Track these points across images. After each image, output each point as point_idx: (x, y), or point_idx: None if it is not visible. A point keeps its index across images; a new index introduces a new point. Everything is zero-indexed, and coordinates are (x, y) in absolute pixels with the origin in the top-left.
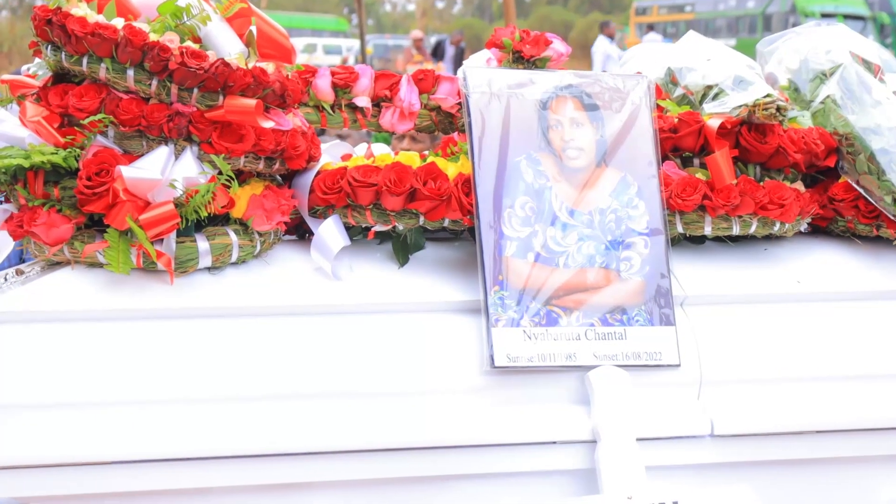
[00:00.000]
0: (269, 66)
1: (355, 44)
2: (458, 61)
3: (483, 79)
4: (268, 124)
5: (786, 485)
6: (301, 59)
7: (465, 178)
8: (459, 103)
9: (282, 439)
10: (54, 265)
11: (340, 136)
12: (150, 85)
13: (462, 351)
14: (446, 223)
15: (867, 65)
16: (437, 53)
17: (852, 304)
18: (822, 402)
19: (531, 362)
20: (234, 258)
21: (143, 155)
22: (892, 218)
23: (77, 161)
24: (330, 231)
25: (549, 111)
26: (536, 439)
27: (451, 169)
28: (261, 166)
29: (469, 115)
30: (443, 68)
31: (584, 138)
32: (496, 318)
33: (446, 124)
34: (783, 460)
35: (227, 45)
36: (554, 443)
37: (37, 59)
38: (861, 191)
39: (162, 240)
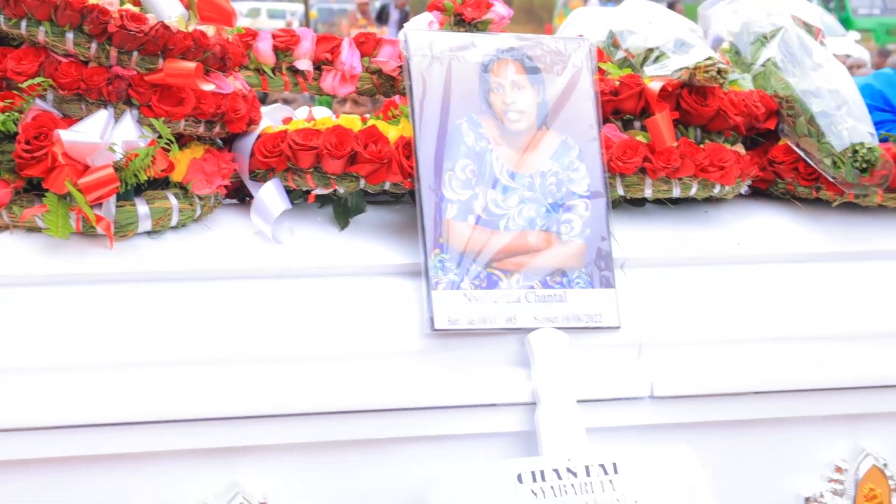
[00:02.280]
0: (210, 29)
1: (300, 8)
2: (402, 25)
3: (424, 42)
4: (208, 87)
5: (725, 446)
6: (245, 22)
7: (405, 141)
8: (401, 66)
9: (222, 403)
10: None
11: (285, 101)
12: (89, 48)
13: (403, 314)
14: (387, 186)
15: (808, 28)
16: (382, 17)
17: (792, 266)
18: (760, 364)
19: (471, 325)
20: (174, 222)
21: (82, 119)
22: (832, 180)
23: (16, 125)
24: (270, 194)
25: (490, 74)
26: (477, 402)
27: (392, 132)
28: (201, 130)
29: (410, 78)
30: (387, 32)
31: (525, 101)
32: (436, 281)
33: (388, 87)
34: (722, 421)
35: (167, 8)
36: (494, 405)
37: None
38: (801, 153)
39: (101, 204)
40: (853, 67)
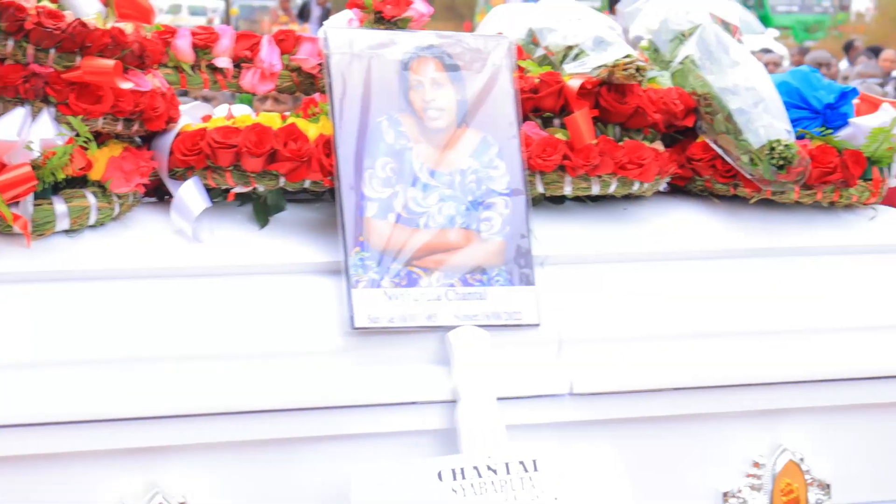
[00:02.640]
0: (128, 27)
1: (221, 5)
2: (324, 22)
3: (344, 39)
4: (126, 85)
5: (644, 442)
6: (165, 19)
7: (325, 139)
8: (321, 64)
9: (140, 403)
10: None
11: (205, 98)
12: (5, 45)
13: (323, 312)
14: (307, 184)
15: (725, 25)
16: (304, 14)
17: (710, 263)
18: (679, 360)
19: (392, 323)
20: (92, 221)
21: None
22: (749, 177)
23: None
24: (190, 193)
25: (410, 72)
26: (397, 400)
27: (311, 130)
28: (119, 128)
29: (330, 75)
30: (309, 29)
31: (444, 99)
32: (357, 280)
33: (307, 85)
34: (641, 418)
35: (84, 5)
36: (414, 403)
37: None
38: (719, 150)
39: (18, 202)
40: (770, 64)
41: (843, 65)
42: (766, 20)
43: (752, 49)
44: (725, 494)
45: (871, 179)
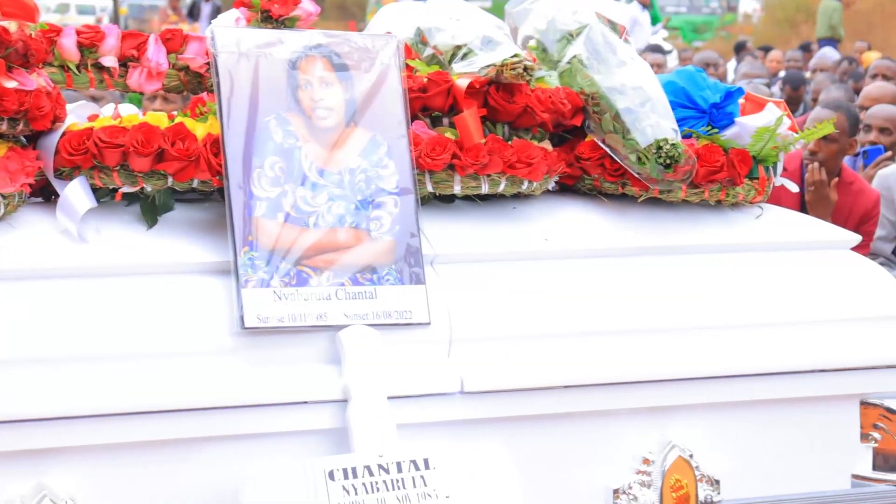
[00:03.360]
0: (12, 25)
1: (109, 4)
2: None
3: (231, 38)
4: (10, 84)
5: (534, 439)
6: (53, 18)
7: (213, 139)
8: (208, 63)
9: (26, 404)
10: None
11: (93, 98)
12: None
13: (212, 312)
14: (195, 184)
15: (613, 25)
16: (193, 13)
17: (599, 261)
18: (568, 358)
19: (282, 322)
20: None
21: None
22: (637, 176)
23: None
24: (76, 193)
25: (298, 71)
26: (288, 399)
27: (199, 129)
28: (3, 127)
29: (217, 74)
30: (199, 28)
31: (333, 98)
32: (246, 279)
33: (195, 84)
34: (532, 415)
35: None
36: (305, 402)
37: None
38: (607, 149)
39: None
40: (654, 66)
41: (733, 65)
42: (655, 20)
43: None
44: (616, 491)
45: (756, 178)
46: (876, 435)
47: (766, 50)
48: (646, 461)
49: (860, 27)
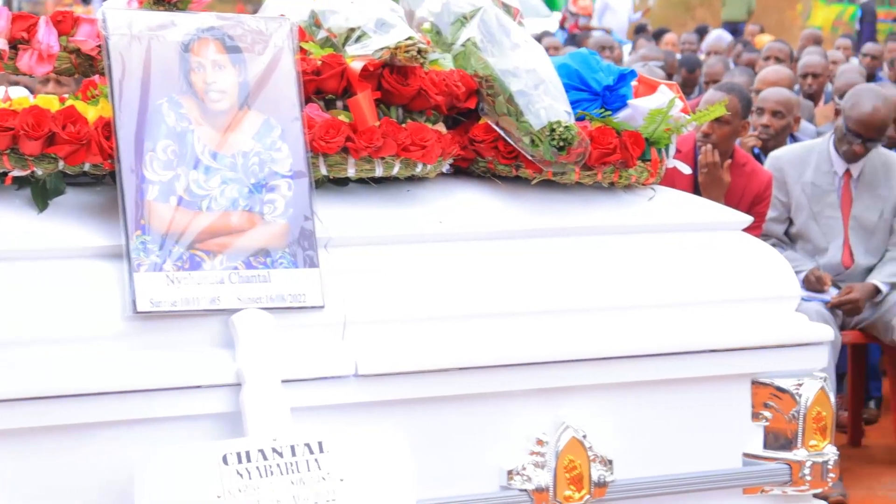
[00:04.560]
0: None
1: None
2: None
3: (123, 20)
4: None
5: (429, 422)
6: None
7: (105, 122)
8: (100, 46)
9: None
10: None
11: None
12: None
13: (104, 297)
14: (87, 167)
15: (506, 8)
16: None
17: (493, 243)
18: (462, 340)
19: (175, 307)
20: None
21: None
22: (531, 158)
23: None
24: None
25: (190, 53)
26: (181, 384)
27: (91, 112)
28: None
29: (109, 57)
30: (92, 11)
31: (226, 81)
32: (138, 263)
33: (87, 67)
34: (426, 398)
35: None
36: (199, 387)
37: None
38: (501, 132)
39: None
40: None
41: (628, 48)
42: (552, 4)
43: (536, 32)
44: (510, 472)
45: (649, 160)
46: (766, 414)
47: (662, 33)
48: (539, 442)
49: (763, 12)
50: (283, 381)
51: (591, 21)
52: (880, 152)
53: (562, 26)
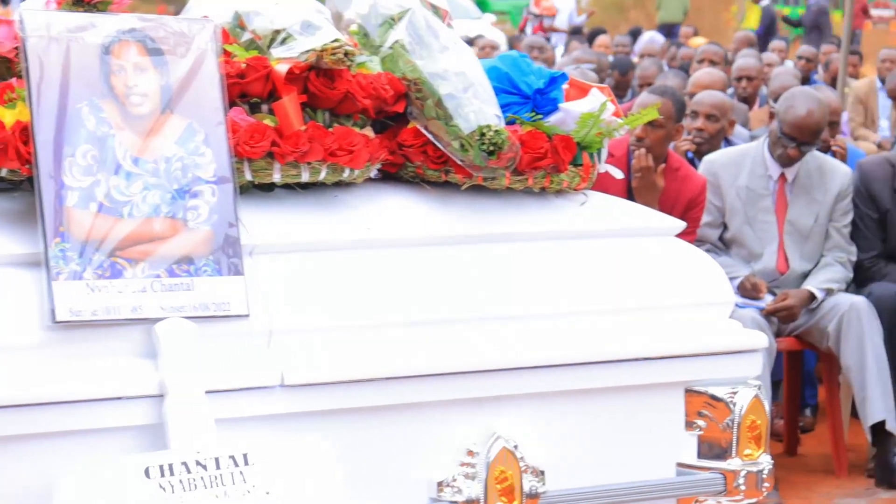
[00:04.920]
0: None
1: None
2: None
3: (41, 22)
4: None
5: (357, 432)
6: None
7: (23, 126)
8: (17, 48)
9: None
10: None
11: None
12: None
13: (22, 306)
14: (4, 173)
15: (435, 10)
16: None
17: (422, 250)
18: (391, 349)
19: (95, 316)
20: None
21: None
22: (460, 163)
23: None
24: None
25: (111, 56)
26: (102, 395)
27: (7, 116)
28: None
29: (27, 60)
30: (10, 13)
31: (148, 84)
32: (57, 272)
33: (4, 70)
34: (354, 408)
35: None
36: (120, 398)
37: None
38: (430, 136)
39: None
40: (487, 48)
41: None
42: (483, 5)
43: (469, 34)
44: (440, 484)
45: (581, 165)
46: (701, 423)
47: (596, 34)
48: (470, 453)
49: (698, 13)
50: (208, 392)
51: (555, 21)
52: (815, 156)
53: (521, 30)
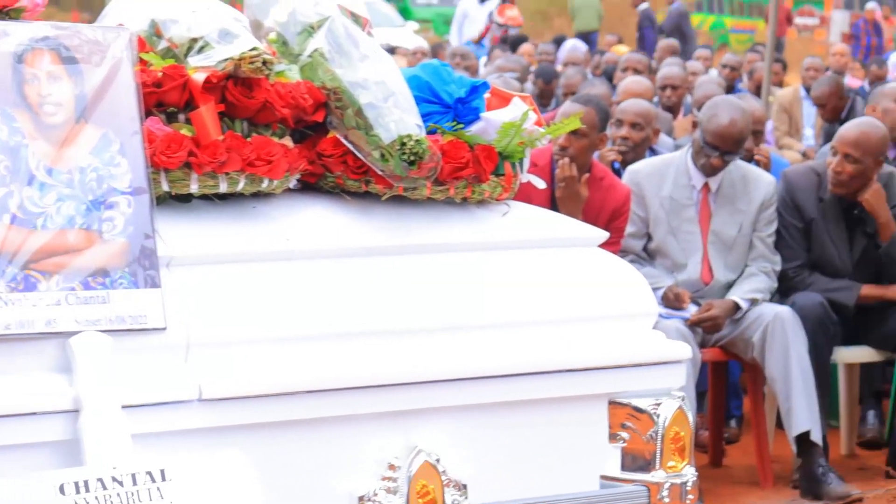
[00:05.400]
0: None
1: None
2: None
3: None
4: None
5: (277, 447)
6: None
7: None
8: None
9: None
10: None
11: None
12: None
13: None
14: None
15: (355, 18)
16: None
17: (343, 261)
18: (311, 362)
19: (8, 330)
20: None
21: None
22: (381, 173)
23: None
24: None
25: (24, 65)
26: (15, 411)
27: None
28: None
29: None
30: None
31: (62, 93)
32: None
33: None
34: (274, 422)
35: None
36: (34, 414)
37: None
38: (350, 146)
39: None
40: (419, 55)
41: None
42: (405, 13)
43: (392, 42)
44: (361, 498)
45: (503, 175)
46: (624, 435)
47: (519, 42)
48: (391, 467)
49: (612, 20)
50: (124, 407)
51: (521, 30)
52: (738, 165)
53: (478, 41)
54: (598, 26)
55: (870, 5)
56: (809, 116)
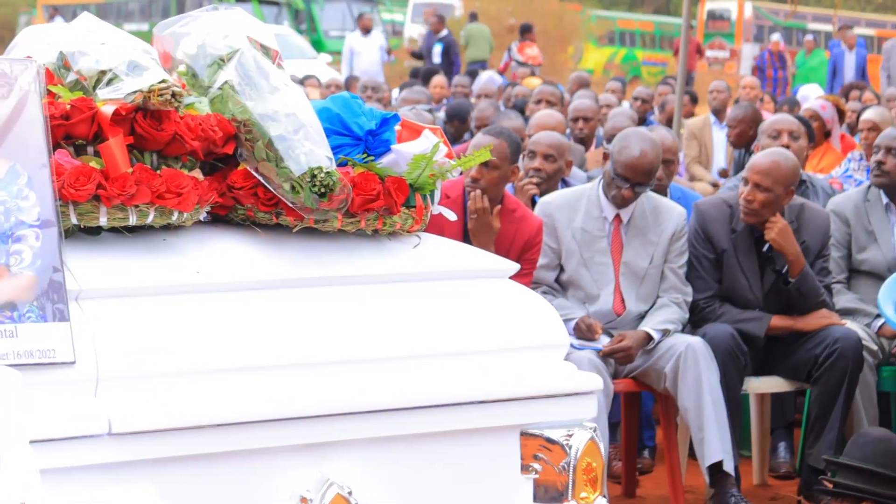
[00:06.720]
0: None
1: None
2: None
3: None
4: None
5: (190, 481)
6: None
7: None
8: None
9: None
10: None
11: None
12: None
13: None
14: None
15: (266, 50)
16: None
17: (253, 294)
18: (221, 395)
19: None
20: None
21: None
22: (291, 205)
23: None
24: None
25: None
26: None
27: None
28: None
29: None
30: None
31: None
32: None
33: None
34: (185, 456)
35: None
36: None
37: None
38: (260, 178)
39: None
40: (333, 87)
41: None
42: (318, 45)
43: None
44: None
45: (414, 206)
46: (536, 466)
47: (431, 75)
48: (304, 500)
49: (503, 51)
50: (32, 442)
51: (539, 70)
52: (650, 196)
53: (502, 72)
54: (488, 56)
55: (774, 37)
56: (719, 141)
